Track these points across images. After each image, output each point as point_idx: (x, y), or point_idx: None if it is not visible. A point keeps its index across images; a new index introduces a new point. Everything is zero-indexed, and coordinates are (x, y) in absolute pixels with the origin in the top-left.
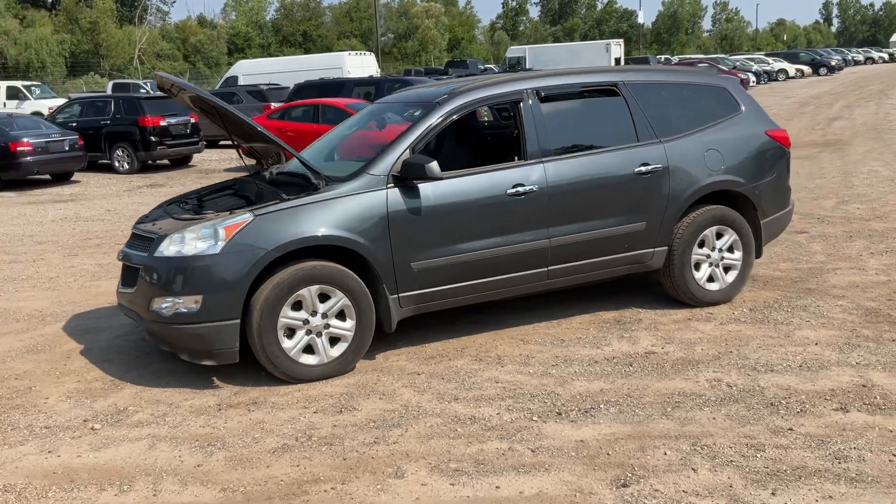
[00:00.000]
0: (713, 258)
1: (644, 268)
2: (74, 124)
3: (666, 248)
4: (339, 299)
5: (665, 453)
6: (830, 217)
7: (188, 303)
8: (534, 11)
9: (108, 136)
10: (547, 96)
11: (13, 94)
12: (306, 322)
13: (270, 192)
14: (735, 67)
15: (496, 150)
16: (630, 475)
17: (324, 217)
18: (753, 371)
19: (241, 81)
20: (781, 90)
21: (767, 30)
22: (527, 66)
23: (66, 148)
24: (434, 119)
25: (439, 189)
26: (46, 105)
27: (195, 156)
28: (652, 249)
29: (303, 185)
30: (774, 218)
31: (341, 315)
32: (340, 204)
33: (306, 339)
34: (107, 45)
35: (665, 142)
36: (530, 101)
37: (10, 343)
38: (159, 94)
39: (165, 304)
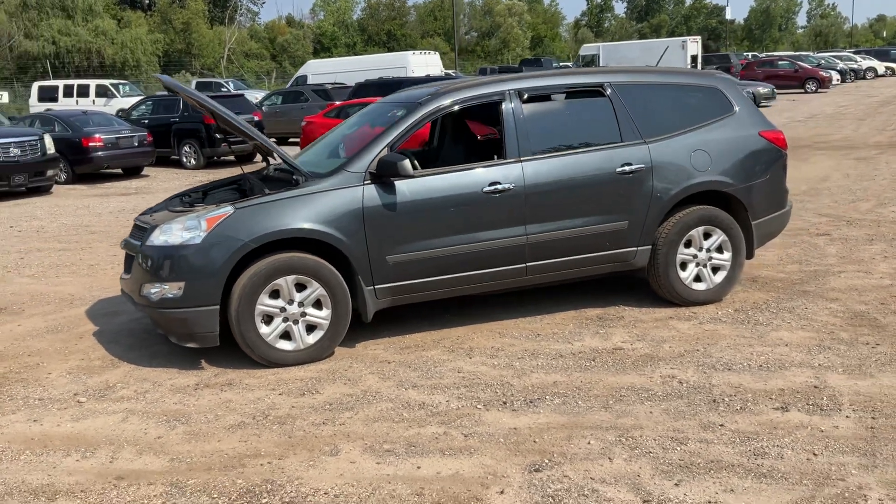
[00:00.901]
0: (700, 258)
1: (627, 266)
2: (146, 121)
3: (649, 247)
4: (314, 289)
5: (589, 443)
6: (861, 220)
7: (173, 289)
8: (619, 8)
9: (177, 133)
10: (530, 97)
11: (102, 91)
12: (283, 310)
13: (259, 186)
14: (819, 65)
15: (487, 148)
16: (547, 461)
17: (301, 211)
18: (711, 369)
19: (310, 80)
20: (865, 89)
21: (866, 26)
22: (600, 64)
23: (136, 144)
24: (413, 119)
25: (415, 186)
26: (132, 102)
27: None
28: (635, 248)
29: (289, 180)
30: (768, 219)
31: (318, 304)
32: (318, 199)
33: (283, 326)
34: (198, 45)
35: (650, 142)
36: (512, 102)
37: (35, 323)
38: (234, 91)
39: (154, 290)
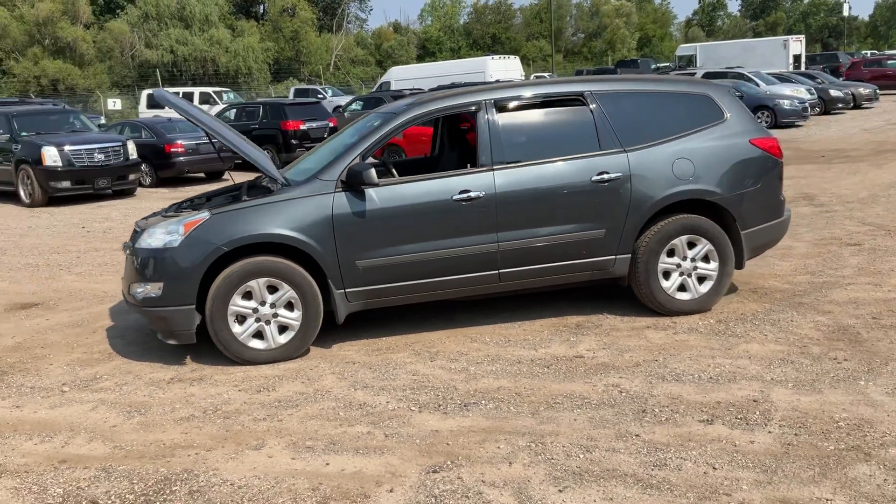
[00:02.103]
0: (684, 267)
1: (607, 275)
2: None
3: (629, 255)
4: (285, 291)
5: (499, 447)
6: None
7: (154, 289)
8: (733, 6)
9: (256, 139)
10: (507, 107)
11: (205, 99)
12: (256, 311)
13: (243, 193)
14: None
15: (470, 157)
16: (449, 463)
17: (272, 217)
18: (659, 380)
19: (393, 86)
20: None
21: None
22: (697, 65)
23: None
24: (386, 130)
25: (385, 194)
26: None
27: None
28: (613, 257)
29: (268, 188)
30: (759, 229)
31: (290, 306)
32: (290, 206)
33: (255, 326)
34: (306, 52)
35: (629, 151)
36: (486, 112)
37: (61, 317)
38: (308, 99)
39: (140, 289)
